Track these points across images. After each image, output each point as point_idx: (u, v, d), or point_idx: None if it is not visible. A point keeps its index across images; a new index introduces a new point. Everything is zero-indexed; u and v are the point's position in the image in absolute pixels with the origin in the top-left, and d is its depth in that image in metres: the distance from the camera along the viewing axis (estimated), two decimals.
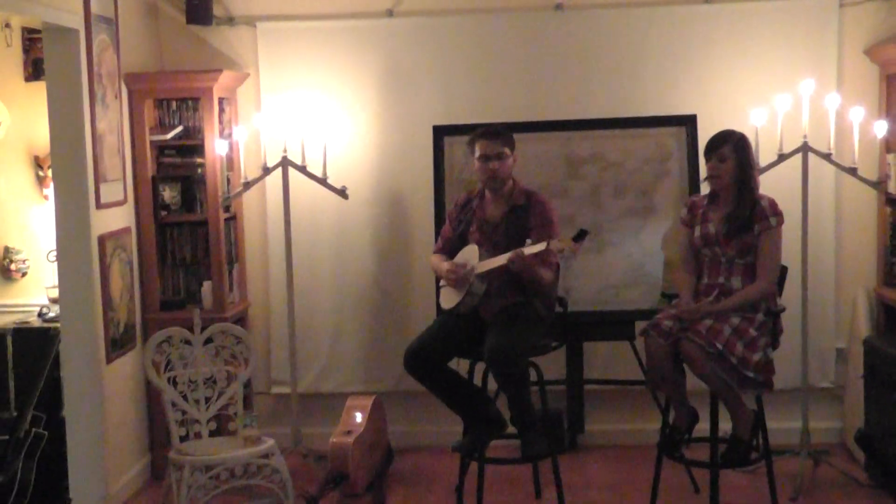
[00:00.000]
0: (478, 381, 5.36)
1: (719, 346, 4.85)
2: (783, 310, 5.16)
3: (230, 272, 6.36)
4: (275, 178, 6.10)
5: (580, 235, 4.87)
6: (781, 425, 6.07)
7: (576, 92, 6.33)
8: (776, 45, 6.22)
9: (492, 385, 5.32)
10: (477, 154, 5.29)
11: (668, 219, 5.99)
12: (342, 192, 6.05)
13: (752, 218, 5.04)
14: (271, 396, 6.62)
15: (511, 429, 5.25)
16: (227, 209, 6.30)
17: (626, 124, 6.11)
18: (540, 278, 5.15)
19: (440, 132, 6.12)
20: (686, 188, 5.98)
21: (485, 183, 5.32)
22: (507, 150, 5.27)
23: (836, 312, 6.35)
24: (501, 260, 5.02)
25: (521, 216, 5.28)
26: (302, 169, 6.00)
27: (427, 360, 5.15)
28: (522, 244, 5.07)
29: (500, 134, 5.30)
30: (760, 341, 4.97)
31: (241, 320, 6.38)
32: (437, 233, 5.76)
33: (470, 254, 5.25)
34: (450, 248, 5.45)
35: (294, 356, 6.16)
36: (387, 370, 6.50)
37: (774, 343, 5.10)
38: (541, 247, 4.90)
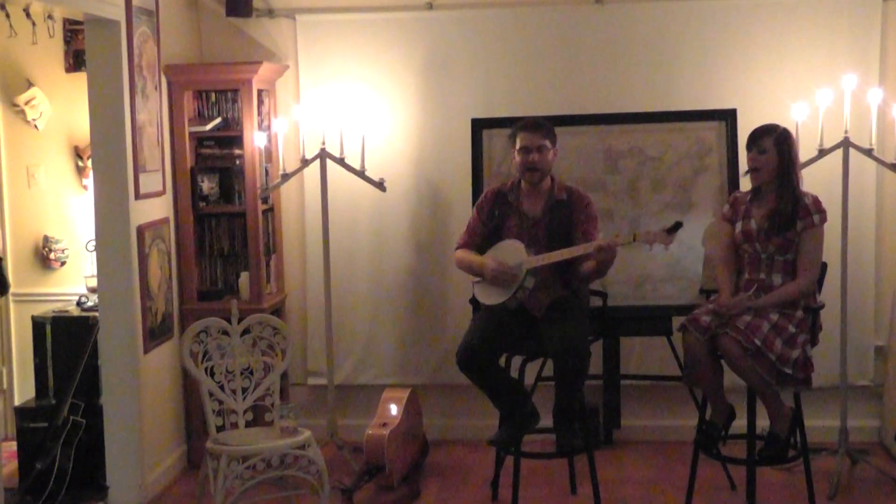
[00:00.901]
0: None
1: (758, 342, 4.81)
2: (822, 306, 5.13)
3: (268, 263, 6.37)
4: (313, 170, 6.11)
5: (675, 227, 4.86)
6: (819, 423, 6.05)
7: (615, 85, 6.32)
8: (818, 38, 6.18)
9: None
10: (518, 146, 5.27)
11: (707, 214, 5.95)
12: (380, 185, 6.04)
13: (795, 215, 5.01)
14: (307, 388, 6.63)
15: (544, 423, 5.25)
16: (265, 200, 6.31)
17: (666, 118, 6.06)
18: (606, 272, 5.17)
19: (479, 125, 6.09)
20: (725, 183, 5.93)
21: (523, 175, 5.30)
22: (547, 143, 5.25)
23: (876, 310, 6.30)
24: (580, 250, 5.00)
25: (564, 212, 5.26)
26: (340, 161, 6.00)
27: (482, 357, 5.10)
28: (567, 240, 5.11)
29: (541, 126, 5.28)
30: (799, 338, 4.94)
31: (277, 311, 6.39)
32: None
33: (513, 249, 5.21)
34: (479, 242, 5.40)
35: (331, 348, 6.18)
36: (423, 363, 6.52)
37: (813, 340, 5.05)
38: (627, 239, 4.92)
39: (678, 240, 5.80)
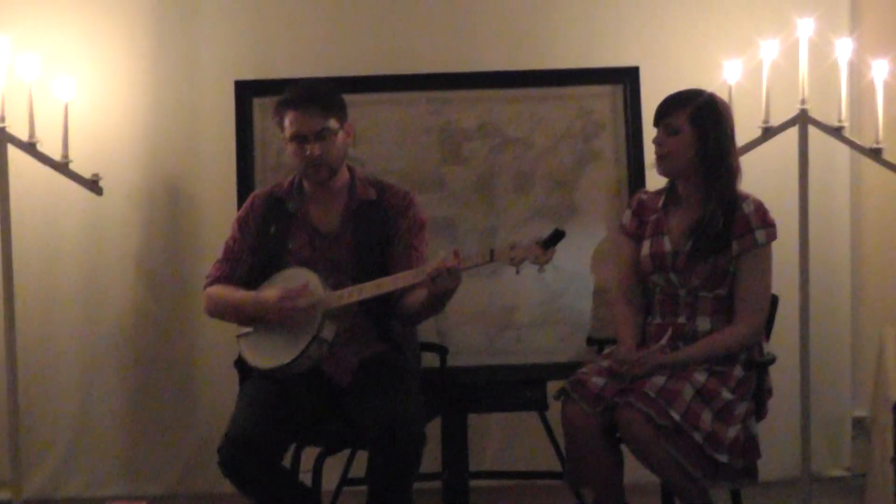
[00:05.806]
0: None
1: (676, 417, 4.71)
2: (773, 360, 5.07)
3: None
4: None
5: (553, 238, 4.64)
6: None
7: (457, 34, 6.39)
8: None
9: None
10: (287, 132, 5.05)
11: (598, 224, 5.85)
12: (93, 184, 5.95)
13: (730, 231, 4.97)
14: None
15: None
16: None
17: (535, 80, 6.00)
18: (443, 307, 5.00)
19: (246, 90, 5.93)
20: (625, 178, 5.84)
21: (303, 173, 5.09)
22: (332, 123, 5.01)
23: (854, 363, 6.46)
24: (409, 278, 4.81)
25: (374, 220, 5.09)
26: (29, 147, 5.88)
27: (259, 452, 4.84)
28: (383, 263, 5.05)
29: (318, 98, 5.04)
30: (738, 409, 4.87)
31: None
32: None
33: (303, 282, 4.98)
34: (244, 274, 5.17)
35: (17, 445, 5.99)
36: (163, 463, 6.49)
37: (760, 411, 5.01)
38: (482, 258, 4.72)
39: (555, 263, 5.61)
